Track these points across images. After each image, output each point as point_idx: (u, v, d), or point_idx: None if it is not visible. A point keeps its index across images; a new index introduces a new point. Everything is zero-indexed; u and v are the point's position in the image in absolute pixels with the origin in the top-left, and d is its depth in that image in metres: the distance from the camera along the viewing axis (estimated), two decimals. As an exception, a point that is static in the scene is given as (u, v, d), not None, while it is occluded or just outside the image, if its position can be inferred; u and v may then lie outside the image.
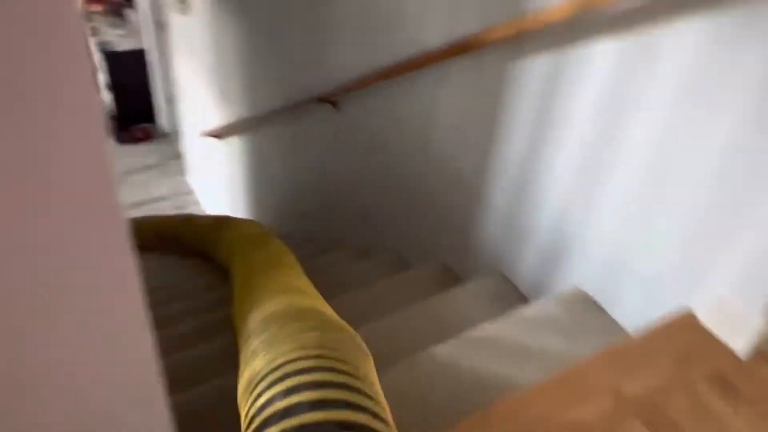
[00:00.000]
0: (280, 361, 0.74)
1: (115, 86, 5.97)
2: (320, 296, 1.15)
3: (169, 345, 1.78)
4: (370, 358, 0.86)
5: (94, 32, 5.83)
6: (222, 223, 2.87)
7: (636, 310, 1.42)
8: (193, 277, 2.77)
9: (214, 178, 5.00)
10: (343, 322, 0.95)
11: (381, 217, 2.49)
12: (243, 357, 0.86)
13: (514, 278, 1.81)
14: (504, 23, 1.48)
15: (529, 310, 1.53)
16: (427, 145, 2.02)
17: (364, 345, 0.88)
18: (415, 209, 2.22)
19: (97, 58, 5.89)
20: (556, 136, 1.49)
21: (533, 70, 1.51)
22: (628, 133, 1.30)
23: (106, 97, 6.17)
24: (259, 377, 0.73)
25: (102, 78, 6.06)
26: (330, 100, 2.52)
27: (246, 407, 0.71)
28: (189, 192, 5.82)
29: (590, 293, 1.53)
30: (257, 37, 3.20)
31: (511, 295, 1.78)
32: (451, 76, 1.81)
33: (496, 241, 1.84)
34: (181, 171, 6.04)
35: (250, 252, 1.69)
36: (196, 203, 5.66)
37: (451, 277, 2.07)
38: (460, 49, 1.66)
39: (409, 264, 2.34)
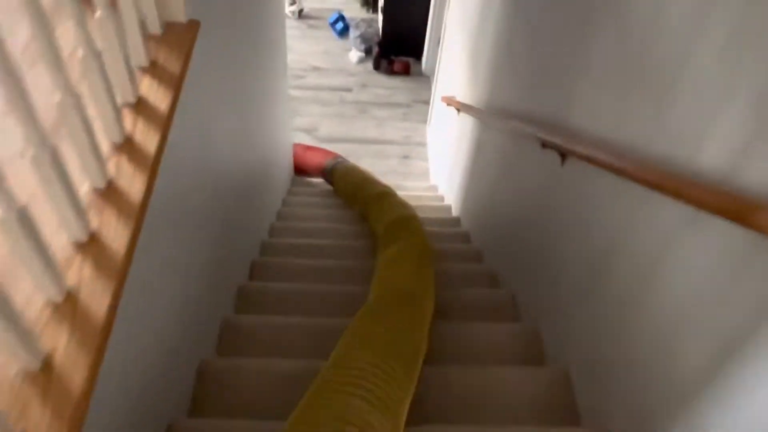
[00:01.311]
0: None
1: (388, 12, 5.73)
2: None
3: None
4: None
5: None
6: (403, 227, 2.52)
7: None
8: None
9: (444, 144, 4.59)
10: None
11: (570, 321, 1.87)
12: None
13: None
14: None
15: None
16: (647, 292, 1.35)
17: None
18: (607, 355, 1.58)
19: (382, -20, 5.66)
20: None
21: None
22: None
23: (378, 20, 5.98)
24: None
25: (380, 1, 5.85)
26: (557, 149, 1.89)
27: None
28: (422, 143, 5.50)
29: None
30: (517, 25, 2.60)
31: None
32: (706, 228, 1.11)
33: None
34: (423, 119, 5.71)
35: (397, 306, 1.76)
36: (423, 159, 5.33)
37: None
38: (739, 214, 0.97)
39: (575, 402, 1.73)
